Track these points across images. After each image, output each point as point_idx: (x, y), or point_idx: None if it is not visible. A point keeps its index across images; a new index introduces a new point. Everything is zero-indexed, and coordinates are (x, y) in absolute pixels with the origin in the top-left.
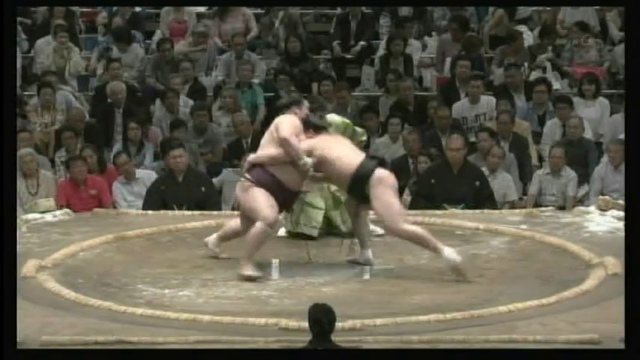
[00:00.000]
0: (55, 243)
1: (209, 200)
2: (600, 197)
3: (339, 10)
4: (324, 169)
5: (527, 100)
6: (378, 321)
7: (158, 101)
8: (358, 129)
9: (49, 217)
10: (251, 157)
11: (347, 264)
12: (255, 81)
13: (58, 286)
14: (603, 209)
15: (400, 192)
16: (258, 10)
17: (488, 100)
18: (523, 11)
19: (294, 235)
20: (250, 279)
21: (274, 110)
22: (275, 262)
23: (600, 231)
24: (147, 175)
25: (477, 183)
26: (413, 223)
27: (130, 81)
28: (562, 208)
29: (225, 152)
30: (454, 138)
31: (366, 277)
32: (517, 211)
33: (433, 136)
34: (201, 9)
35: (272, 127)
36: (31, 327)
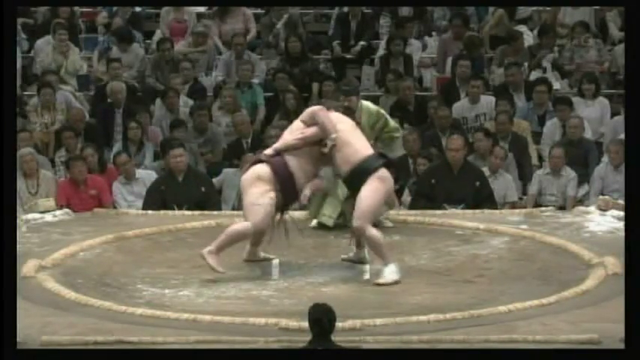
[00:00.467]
0: (55, 243)
1: (209, 200)
2: (600, 197)
3: (336, 10)
4: (333, 149)
5: (527, 100)
6: (378, 321)
7: (158, 101)
8: (392, 123)
9: (49, 217)
10: (274, 146)
11: (347, 264)
12: (255, 81)
13: (58, 286)
14: (603, 209)
15: (400, 192)
16: (258, 10)
17: (488, 100)
18: (523, 11)
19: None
20: (213, 269)
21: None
22: (275, 262)
23: (600, 231)
24: (147, 175)
25: (477, 183)
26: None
27: (130, 81)
28: (562, 208)
29: (225, 152)
30: (454, 138)
31: (366, 277)
32: (517, 211)
33: (433, 136)
34: (202, 9)
35: (295, 123)
36: (31, 327)
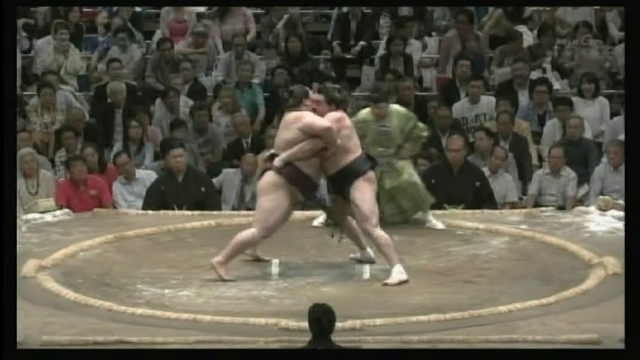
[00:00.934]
0: (55, 243)
1: (209, 200)
2: (600, 197)
3: (336, 10)
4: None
5: (531, 98)
6: (378, 321)
7: (158, 101)
8: (420, 124)
9: (49, 217)
10: (280, 157)
11: (347, 263)
12: (255, 81)
13: (58, 286)
14: (603, 209)
15: None
16: (258, 10)
17: (488, 100)
18: (523, 11)
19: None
20: (221, 279)
21: (285, 107)
22: (275, 262)
23: (600, 231)
24: (147, 175)
25: (477, 183)
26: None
27: (130, 81)
28: (562, 208)
29: (225, 152)
30: (454, 139)
31: (366, 277)
32: (517, 211)
33: (433, 136)
34: (202, 9)
35: (292, 122)
36: (31, 327)
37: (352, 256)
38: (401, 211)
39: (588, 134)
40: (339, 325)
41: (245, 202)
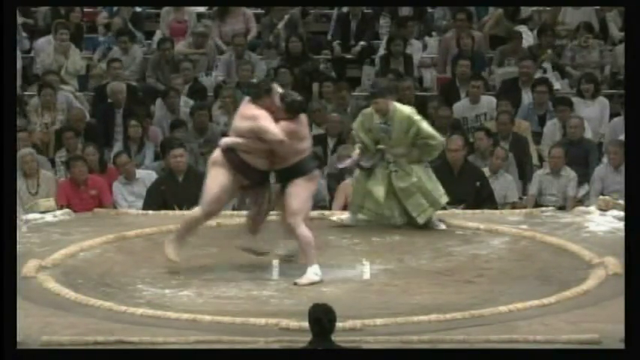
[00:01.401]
0: (55, 243)
1: None
2: (600, 197)
3: (336, 10)
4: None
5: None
6: (378, 321)
7: (159, 101)
8: (426, 129)
9: (49, 217)
10: (226, 140)
11: (348, 264)
12: (255, 81)
13: (58, 286)
14: (603, 209)
15: None
16: (259, 10)
17: (488, 100)
18: (523, 11)
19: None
20: (169, 260)
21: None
22: (275, 262)
23: (600, 231)
24: (147, 175)
25: (478, 183)
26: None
27: (131, 81)
28: (562, 208)
29: None
30: (453, 139)
31: (366, 277)
32: (517, 211)
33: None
34: (202, 9)
35: (249, 117)
36: (32, 327)
37: (279, 252)
38: (405, 214)
39: (588, 134)
40: (339, 325)
41: (246, 203)
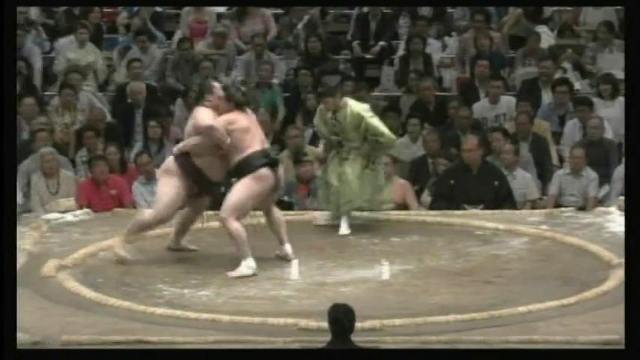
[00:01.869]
0: (75, 243)
1: None
2: (621, 198)
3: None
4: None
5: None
6: (397, 321)
7: (179, 101)
8: (375, 126)
9: (69, 216)
10: (177, 146)
11: (366, 264)
12: (275, 81)
13: (78, 286)
14: (624, 210)
15: (419, 192)
16: (278, 11)
17: (508, 101)
18: (544, 11)
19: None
20: (119, 260)
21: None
22: (295, 262)
23: (621, 232)
24: None
25: (496, 183)
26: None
27: (150, 82)
28: (582, 208)
29: None
30: (468, 138)
31: (386, 277)
32: (537, 211)
33: (453, 136)
34: (221, 9)
35: (191, 120)
36: (52, 326)
37: (276, 252)
38: (328, 202)
39: (609, 135)
40: (358, 325)
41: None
